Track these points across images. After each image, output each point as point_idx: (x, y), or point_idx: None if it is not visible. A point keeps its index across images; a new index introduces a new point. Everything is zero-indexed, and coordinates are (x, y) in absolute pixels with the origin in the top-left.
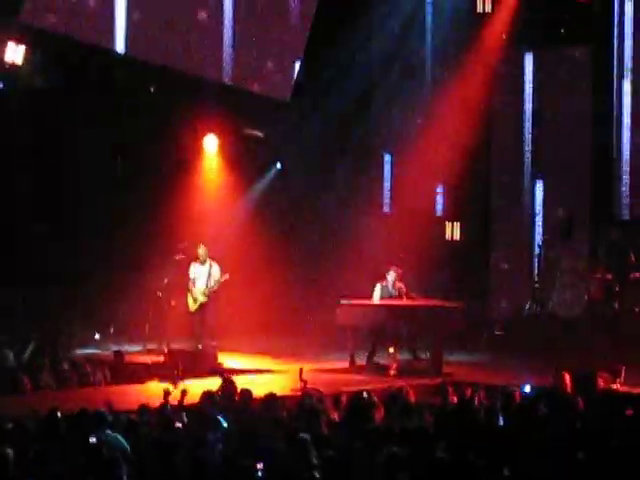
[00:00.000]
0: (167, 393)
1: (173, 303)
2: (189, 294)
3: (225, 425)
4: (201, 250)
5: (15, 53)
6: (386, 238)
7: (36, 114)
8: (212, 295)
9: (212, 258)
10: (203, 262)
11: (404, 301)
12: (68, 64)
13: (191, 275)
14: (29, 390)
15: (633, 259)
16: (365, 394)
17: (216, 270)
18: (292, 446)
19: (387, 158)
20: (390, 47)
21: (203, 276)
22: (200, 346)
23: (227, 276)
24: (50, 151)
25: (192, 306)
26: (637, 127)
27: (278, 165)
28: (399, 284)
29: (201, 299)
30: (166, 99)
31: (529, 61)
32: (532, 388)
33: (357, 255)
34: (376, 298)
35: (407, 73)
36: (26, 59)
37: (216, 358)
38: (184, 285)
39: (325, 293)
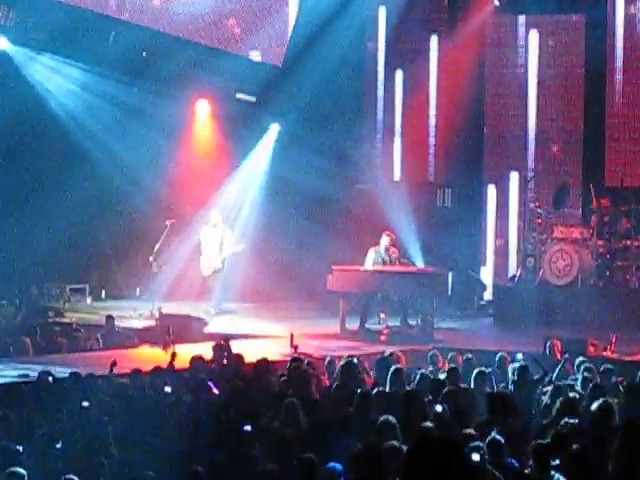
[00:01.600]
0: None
1: (164, 267)
2: (201, 258)
3: (216, 391)
4: (212, 214)
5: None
6: (380, 205)
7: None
8: (224, 262)
9: (226, 225)
10: (214, 226)
11: (395, 267)
12: (60, 27)
13: (202, 239)
14: (20, 354)
15: (625, 226)
16: (356, 359)
17: (228, 236)
18: (282, 410)
19: (380, 119)
20: None
21: (215, 242)
22: (213, 311)
23: (242, 246)
24: (34, 109)
25: (205, 271)
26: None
27: (276, 127)
28: (392, 249)
29: (216, 266)
30: (158, 63)
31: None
32: (524, 355)
33: (352, 222)
34: (369, 264)
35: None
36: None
37: (205, 325)
38: (174, 250)
39: (318, 259)
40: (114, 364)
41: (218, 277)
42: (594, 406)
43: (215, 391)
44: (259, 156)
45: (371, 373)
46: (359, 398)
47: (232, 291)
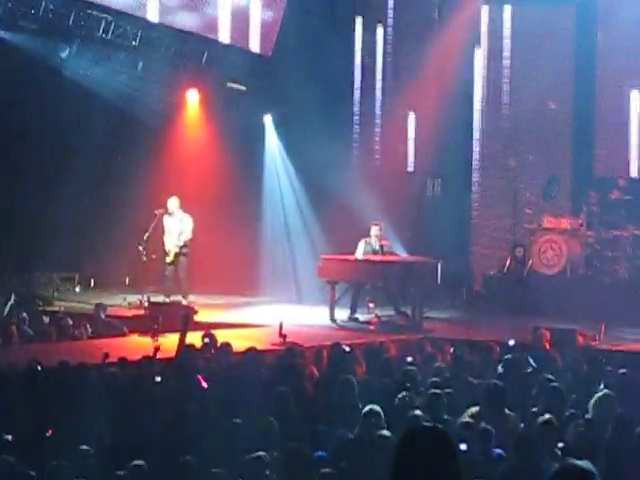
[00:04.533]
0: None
1: (154, 256)
2: (163, 246)
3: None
4: (170, 202)
5: None
6: (371, 195)
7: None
8: (184, 249)
9: (185, 211)
10: (171, 214)
11: (384, 257)
12: (52, 14)
13: (165, 227)
14: (8, 343)
15: (612, 218)
16: (347, 348)
17: (187, 223)
18: (271, 399)
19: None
20: None
21: (174, 228)
22: (170, 299)
23: (189, 237)
24: (29, 106)
25: (168, 259)
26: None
27: (269, 118)
28: (383, 240)
29: (174, 251)
30: (148, 52)
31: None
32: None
33: (343, 211)
34: (359, 254)
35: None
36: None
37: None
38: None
39: (310, 248)
40: (106, 356)
41: (180, 266)
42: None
43: (204, 384)
44: (272, 153)
45: (362, 363)
46: (346, 388)
47: (217, 279)
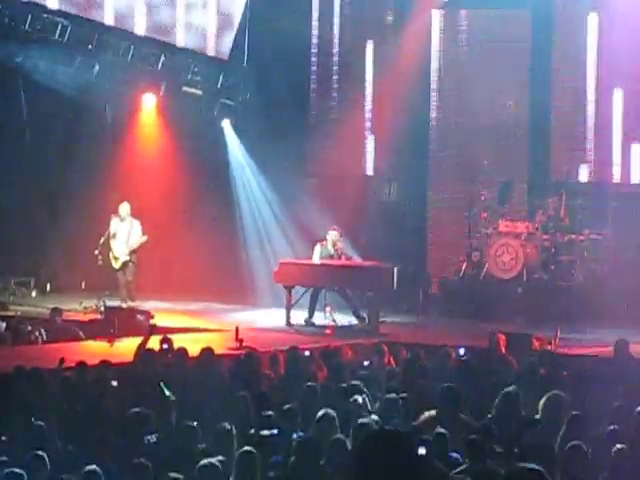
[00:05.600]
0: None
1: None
2: (110, 251)
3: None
4: (122, 207)
5: None
6: (326, 200)
7: None
8: (132, 254)
9: (135, 216)
10: (123, 219)
11: (341, 261)
12: (7, 18)
13: (111, 230)
14: None
15: (568, 221)
16: (309, 353)
17: (137, 228)
18: (228, 403)
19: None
20: None
21: (123, 234)
22: (124, 305)
23: (145, 238)
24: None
25: (115, 264)
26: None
27: (227, 123)
28: (339, 245)
29: (123, 258)
30: (104, 56)
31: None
32: (467, 350)
33: (299, 216)
34: (316, 258)
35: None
36: None
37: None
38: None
39: (266, 253)
40: (62, 361)
41: (128, 270)
42: (543, 399)
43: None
44: (236, 157)
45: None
46: (304, 392)
47: (173, 284)
